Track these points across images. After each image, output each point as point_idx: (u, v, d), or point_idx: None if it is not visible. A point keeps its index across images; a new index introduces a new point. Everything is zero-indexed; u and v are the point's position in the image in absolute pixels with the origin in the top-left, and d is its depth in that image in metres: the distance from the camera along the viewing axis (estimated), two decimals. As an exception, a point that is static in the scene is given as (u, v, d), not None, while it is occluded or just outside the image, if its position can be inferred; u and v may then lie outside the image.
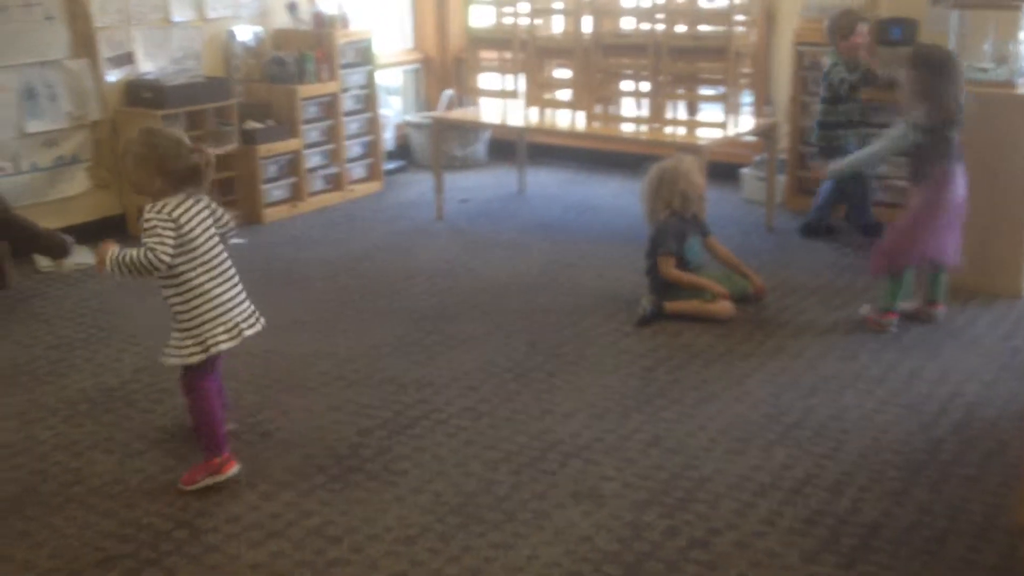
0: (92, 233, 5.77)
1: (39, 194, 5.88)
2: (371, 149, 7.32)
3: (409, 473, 3.50)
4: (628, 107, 6.39)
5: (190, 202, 3.43)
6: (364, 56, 7.12)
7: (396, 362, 4.40)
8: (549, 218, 6.52)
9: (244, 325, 3.50)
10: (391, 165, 7.69)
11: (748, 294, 4.93)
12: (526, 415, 3.90)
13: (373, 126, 7.29)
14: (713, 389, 4.09)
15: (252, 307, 3.59)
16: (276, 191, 6.69)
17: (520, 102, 6.58)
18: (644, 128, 6.10)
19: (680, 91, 6.09)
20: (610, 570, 2.95)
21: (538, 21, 6.50)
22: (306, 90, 6.70)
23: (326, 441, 3.73)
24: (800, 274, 5.37)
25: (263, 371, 4.33)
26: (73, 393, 4.17)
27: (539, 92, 6.52)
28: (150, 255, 3.30)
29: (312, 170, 6.90)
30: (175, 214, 3.36)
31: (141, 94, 6.09)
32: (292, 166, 6.76)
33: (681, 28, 6.02)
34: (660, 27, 5.97)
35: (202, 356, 3.41)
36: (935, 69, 4.40)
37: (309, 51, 6.72)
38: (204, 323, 3.41)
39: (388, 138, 7.70)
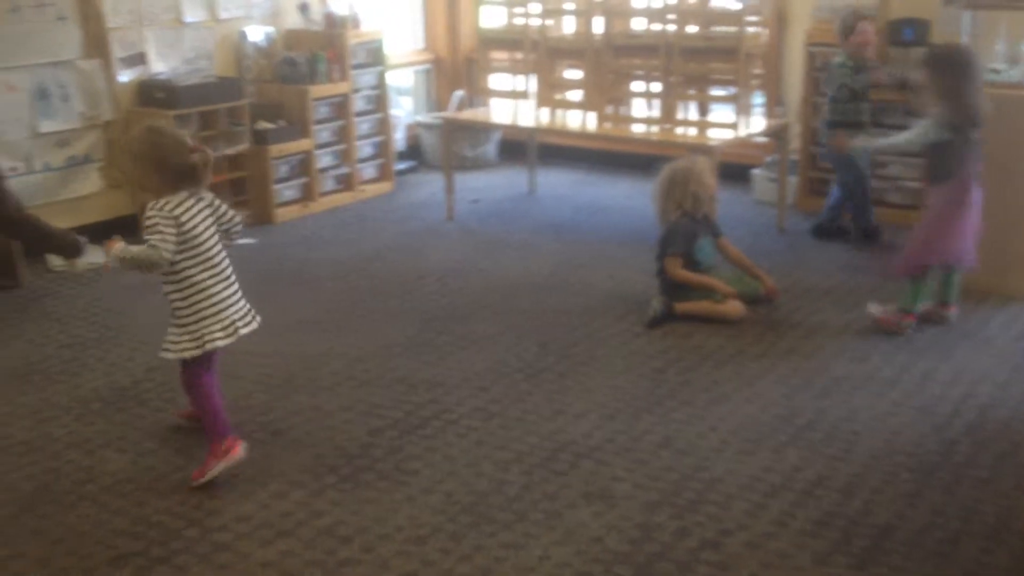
0: (104, 233, 5.73)
1: (52, 194, 5.90)
2: (382, 149, 7.33)
3: (420, 473, 3.50)
4: (639, 108, 6.38)
5: (191, 201, 3.49)
6: (375, 57, 7.12)
7: (407, 362, 4.40)
8: (560, 219, 6.52)
9: (240, 323, 3.57)
10: (402, 165, 7.70)
11: (760, 295, 4.92)
12: (537, 416, 3.90)
13: (384, 126, 7.30)
14: (724, 390, 4.08)
15: (248, 305, 3.65)
16: (287, 191, 6.70)
17: (531, 103, 6.58)
18: (655, 129, 6.10)
19: (691, 92, 6.08)
20: (621, 571, 2.95)
21: (549, 22, 6.50)
22: (317, 90, 6.71)
23: (337, 441, 3.73)
24: (812, 275, 5.36)
25: (274, 370, 4.33)
26: (86, 392, 4.18)
27: (550, 93, 6.52)
28: (152, 252, 3.38)
29: (323, 170, 6.92)
30: (176, 212, 3.43)
31: (153, 94, 6.11)
32: (303, 166, 6.77)
33: (692, 29, 6.01)
34: (671, 28, 5.97)
35: (197, 352, 3.48)
36: (955, 69, 4.38)
37: (320, 51, 6.73)
38: (201, 320, 3.48)
39: (399, 138, 7.71)
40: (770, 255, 5.60)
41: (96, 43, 5.99)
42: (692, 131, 5.97)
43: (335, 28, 6.88)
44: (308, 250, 6.02)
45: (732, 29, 5.87)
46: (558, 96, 6.55)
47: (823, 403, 3.95)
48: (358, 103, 7.06)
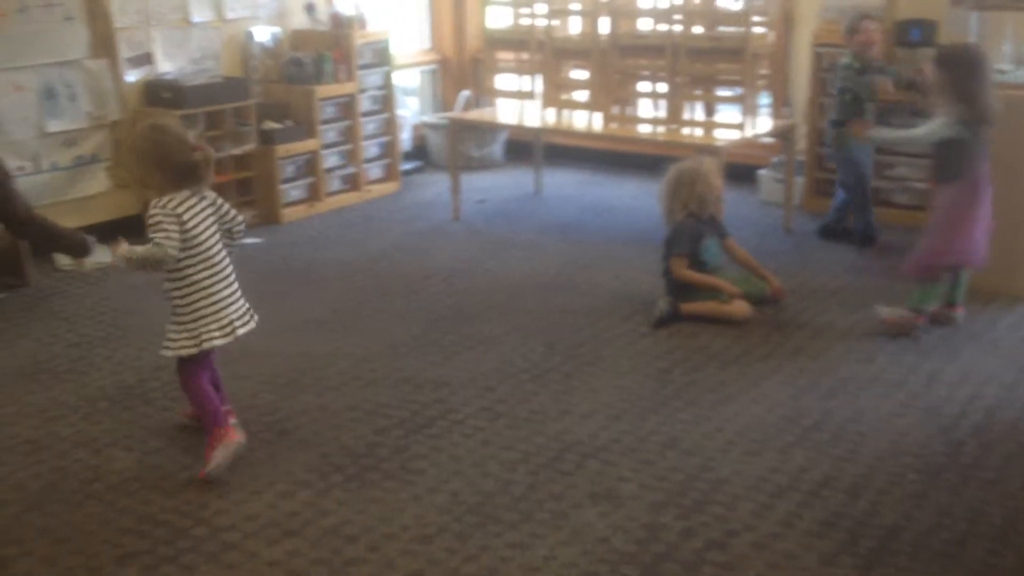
0: (112, 232, 5.76)
1: (59, 193, 5.91)
2: (388, 150, 7.34)
3: (426, 472, 3.50)
4: (645, 108, 6.38)
5: (194, 199, 3.53)
6: (381, 57, 7.13)
7: (413, 362, 4.40)
8: (566, 219, 6.52)
9: (238, 323, 3.60)
10: (408, 165, 7.70)
11: (766, 296, 4.91)
12: (543, 416, 3.90)
13: (390, 127, 7.31)
14: (730, 391, 4.08)
15: (247, 305, 3.69)
16: (294, 191, 6.71)
17: (537, 103, 6.58)
18: (661, 129, 6.10)
19: (697, 92, 6.07)
20: (627, 571, 2.95)
21: (555, 22, 6.50)
22: (324, 91, 6.72)
23: (343, 440, 3.73)
24: (818, 276, 5.35)
25: (280, 370, 4.34)
26: (93, 391, 4.19)
27: (556, 93, 6.52)
28: (158, 251, 3.43)
29: (329, 170, 6.93)
30: (179, 210, 3.47)
31: (160, 94, 6.12)
32: (310, 166, 6.78)
33: (699, 29, 6.01)
34: (678, 28, 5.97)
35: (194, 350, 3.52)
36: (966, 68, 4.37)
37: (327, 52, 6.74)
38: (199, 318, 3.52)
39: (405, 139, 7.72)
40: (776, 256, 5.59)
41: (103, 43, 6.00)
42: (698, 131, 5.97)
43: (341, 28, 6.89)
44: (314, 250, 6.03)
45: (739, 29, 5.86)
46: (564, 96, 6.55)
47: (829, 404, 3.95)
48: (364, 103, 7.07)
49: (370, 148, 7.20)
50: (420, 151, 8.01)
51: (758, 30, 5.89)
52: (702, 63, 5.95)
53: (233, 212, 3.70)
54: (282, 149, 6.54)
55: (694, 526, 3.15)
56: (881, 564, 2.96)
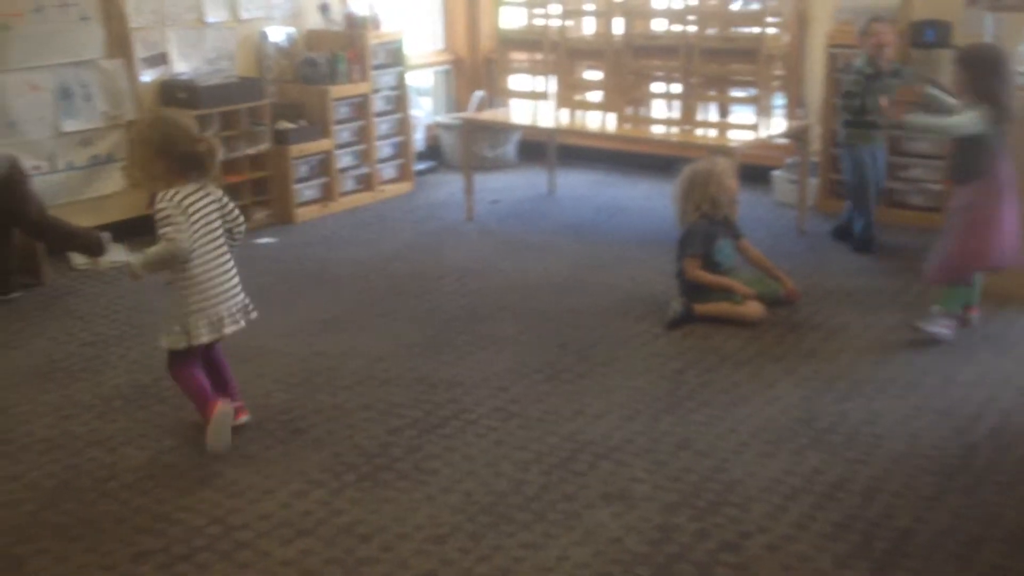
0: (127, 231, 5.84)
1: (75, 193, 5.94)
2: (402, 150, 7.35)
3: (439, 472, 3.50)
4: (659, 109, 6.37)
5: (200, 193, 3.59)
6: (395, 57, 7.14)
7: (426, 362, 4.41)
8: (579, 219, 6.52)
9: (228, 320, 3.67)
10: (421, 166, 7.71)
11: (780, 297, 4.90)
12: (556, 416, 3.90)
13: (404, 127, 7.32)
14: (744, 392, 4.07)
15: (246, 301, 3.76)
16: (308, 191, 6.73)
17: (551, 103, 6.58)
18: (675, 130, 6.09)
19: (712, 93, 6.06)
20: (640, 572, 2.94)
21: (569, 22, 6.50)
22: (338, 91, 6.74)
23: (357, 440, 3.74)
24: (832, 277, 5.34)
25: (294, 370, 4.35)
26: (107, 389, 4.21)
27: (570, 93, 6.52)
28: (170, 246, 3.49)
29: (343, 170, 6.94)
30: (185, 203, 3.53)
31: (175, 94, 6.14)
32: (323, 166, 6.79)
33: (713, 30, 6.00)
34: (692, 29, 5.96)
35: (184, 345, 3.60)
36: (989, 67, 4.35)
37: (341, 52, 6.75)
38: (192, 313, 3.59)
39: (419, 139, 7.73)
40: (790, 257, 5.58)
41: (119, 43, 6.03)
42: (712, 132, 5.96)
43: (355, 28, 6.90)
44: (328, 250, 6.04)
45: (753, 30, 5.85)
46: (578, 97, 6.54)
47: (844, 406, 3.94)
48: (378, 103, 7.08)
49: (384, 148, 7.21)
50: (433, 151, 8.02)
51: (772, 31, 5.87)
52: (716, 64, 5.94)
53: (237, 213, 3.75)
54: (296, 149, 6.56)
55: (707, 527, 3.15)
56: (895, 566, 2.95)
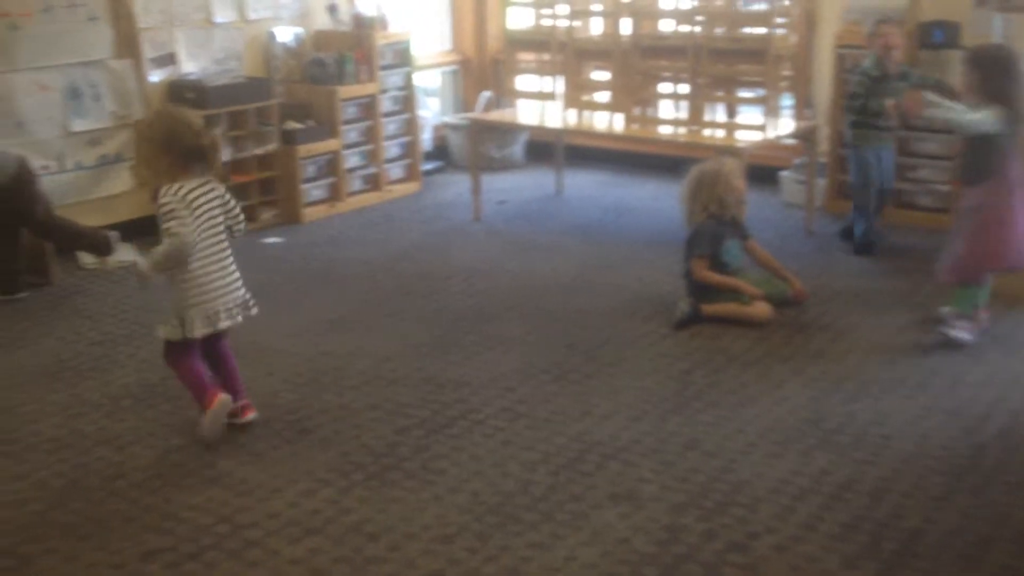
0: (136, 231, 5.84)
1: (83, 192, 5.95)
2: (409, 150, 7.35)
3: (447, 472, 3.51)
4: (667, 109, 6.37)
5: (204, 188, 3.62)
6: (403, 57, 7.15)
7: (434, 362, 4.41)
8: (587, 220, 6.52)
9: (224, 316, 3.70)
10: (429, 166, 7.72)
11: (788, 298, 4.90)
12: (564, 416, 3.90)
13: (411, 127, 7.32)
14: (751, 393, 4.07)
15: (247, 296, 3.79)
16: (315, 191, 6.74)
17: (558, 104, 6.58)
18: (683, 131, 6.09)
19: (719, 93, 6.06)
20: (648, 572, 2.94)
21: (577, 23, 6.50)
22: (345, 91, 6.74)
23: (364, 439, 3.74)
24: (840, 278, 5.33)
25: (302, 369, 4.36)
26: (116, 389, 4.22)
27: (577, 94, 6.52)
28: (175, 241, 3.52)
29: (351, 170, 6.95)
30: (188, 197, 3.57)
31: (183, 94, 6.15)
32: (331, 166, 6.80)
33: (720, 30, 5.99)
34: (699, 29, 5.95)
35: (179, 336, 3.64)
36: (1000, 68, 4.33)
37: (349, 52, 6.76)
38: (189, 307, 3.63)
39: (426, 139, 7.73)
40: (798, 258, 5.57)
41: (127, 43, 6.04)
42: (720, 133, 5.95)
43: (363, 29, 6.90)
44: (335, 250, 6.05)
45: (761, 31, 5.85)
46: (585, 97, 6.55)
47: (852, 406, 3.93)
48: (386, 104, 7.09)
49: (391, 148, 7.22)
50: (441, 151, 8.02)
51: (780, 31, 5.87)
52: (724, 64, 5.94)
53: (238, 211, 3.79)
54: (304, 149, 6.56)
55: (715, 528, 3.14)
56: (903, 567, 2.94)
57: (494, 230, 6.36)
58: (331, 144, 6.72)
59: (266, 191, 6.52)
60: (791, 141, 6.47)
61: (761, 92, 5.87)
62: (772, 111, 5.86)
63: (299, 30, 6.86)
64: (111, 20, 5.96)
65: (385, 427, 3.83)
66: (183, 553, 3.07)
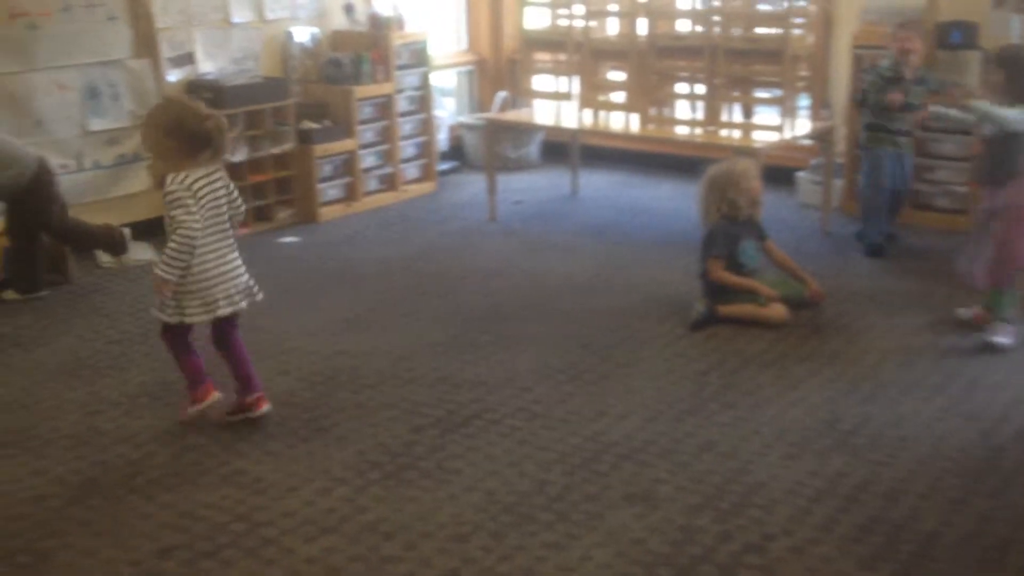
0: (153, 230, 5.85)
1: (101, 191, 5.99)
2: (425, 150, 7.36)
3: (462, 472, 3.51)
4: (683, 110, 6.36)
5: (210, 178, 3.66)
6: (419, 57, 7.16)
7: (450, 361, 4.41)
8: (602, 220, 6.51)
9: (224, 302, 3.73)
10: (444, 166, 7.72)
11: (804, 299, 4.88)
12: (579, 416, 3.90)
13: (427, 127, 7.33)
14: (768, 394, 4.06)
15: (250, 282, 3.83)
16: (331, 190, 6.76)
17: (574, 104, 6.57)
18: (699, 131, 6.08)
19: (736, 94, 6.05)
20: (662, 573, 2.94)
21: (593, 23, 6.50)
22: (362, 91, 6.76)
23: (380, 438, 3.75)
24: (857, 279, 5.31)
25: (318, 368, 4.37)
26: (133, 387, 4.24)
27: (593, 94, 6.51)
28: (181, 233, 3.56)
29: (367, 170, 6.96)
30: (195, 186, 3.60)
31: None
32: (347, 166, 6.81)
33: (737, 31, 5.98)
34: (716, 29, 5.94)
35: (175, 321, 3.69)
36: None
37: (365, 52, 6.77)
38: (187, 293, 3.66)
39: (442, 139, 7.74)
40: (815, 258, 5.55)
41: (145, 43, 6.07)
42: (736, 133, 5.94)
43: (380, 29, 6.92)
44: (352, 249, 6.06)
45: (778, 31, 5.83)
46: (601, 97, 6.54)
47: (868, 408, 3.92)
48: (402, 104, 7.10)
49: (407, 148, 7.23)
50: (456, 151, 8.03)
51: (797, 31, 5.85)
52: (740, 64, 5.93)
53: (239, 199, 3.83)
54: (320, 149, 6.58)
55: (731, 529, 3.14)
56: (920, 569, 2.93)
57: (510, 230, 6.36)
58: (347, 144, 6.74)
59: (282, 190, 6.54)
60: (808, 142, 6.46)
61: (778, 92, 5.86)
62: (789, 112, 5.85)
63: (316, 30, 6.88)
64: (130, 20, 5.99)
65: (401, 426, 3.84)
66: (199, 551, 3.09)
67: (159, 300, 3.71)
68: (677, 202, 6.72)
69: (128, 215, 5.99)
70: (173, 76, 6.20)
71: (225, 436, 3.78)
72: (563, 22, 6.58)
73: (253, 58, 6.57)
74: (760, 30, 5.99)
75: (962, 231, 5.57)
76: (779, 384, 4.14)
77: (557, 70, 6.70)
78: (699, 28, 6.06)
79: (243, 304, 3.80)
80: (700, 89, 6.13)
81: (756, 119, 6.07)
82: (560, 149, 7.55)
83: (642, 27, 6.21)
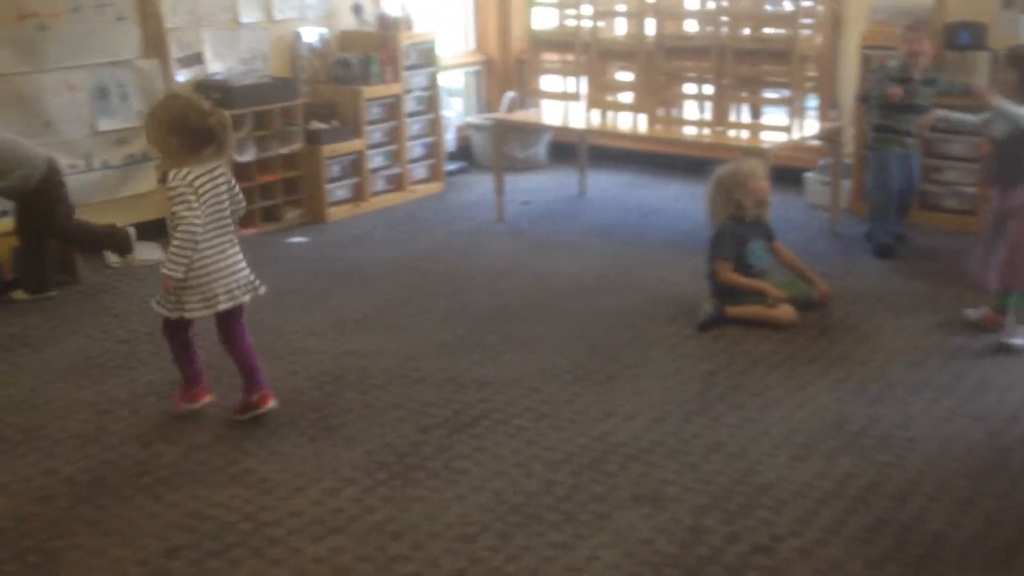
0: (162, 231, 5.86)
1: (110, 191, 6.00)
2: (433, 150, 7.37)
3: (470, 472, 3.51)
4: (691, 110, 6.35)
5: (212, 174, 3.68)
6: (427, 58, 7.16)
7: (457, 361, 4.42)
8: (610, 221, 6.51)
9: (224, 297, 3.74)
10: (452, 166, 7.73)
11: (812, 299, 4.87)
12: (587, 417, 3.90)
13: (435, 127, 7.33)
14: (776, 395, 4.05)
15: (252, 277, 3.84)
16: (339, 191, 6.76)
17: (582, 104, 6.57)
18: (707, 131, 6.08)
19: (744, 94, 6.04)
20: (670, 574, 2.94)
21: (601, 23, 6.49)
22: (370, 91, 6.76)
23: (388, 438, 3.76)
24: (865, 280, 5.30)
25: (326, 368, 4.37)
26: (141, 386, 4.25)
27: (601, 94, 6.51)
28: (183, 231, 3.59)
29: (375, 170, 6.97)
30: (197, 183, 3.62)
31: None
32: (355, 166, 6.82)
33: (745, 31, 5.97)
34: (724, 30, 5.94)
35: (174, 315, 3.72)
36: None
37: (373, 52, 6.78)
38: (187, 288, 3.68)
39: (450, 139, 7.74)
40: (823, 259, 5.54)
41: (154, 43, 6.08)
42: (744, 134, 5.94)
43: (388, 29, 6.92)
44: (359, 249, 6.07)
45: (786, 31, 5.82)
46: (609, 98, 6.54)
47: (876, 409, 3.91)
48: (410, 104, 7.11)
49: (415, 148, 7.24)
50: (464, 152, 8.03)
51: (805, 32, 5.84)
52: (748, 65, 5.92)
53: (240, 195, 3.85)
54: (328, 149, 6.59)
55: (738, 530, 3.14)
56: (928, 571, 2.93)
57: (517, 230, 6.36)
58: (355, 144, 6.75)
59: (291, 191, 6.55)
60: (816, 142, 6.45)
61: (786, 93, 5.85)
62: (797, 112, 5.84)
63: (324, 30, 6.89)
64: (139, 20, 6.00)
65: (408, 426, 3.85)
66: (206, 550, 3.09)
67: (159, 295, 3.73)
68: (685, 202, 6.72)
69: (137, 215, 6.00)
70: (182, 76, 6.22)
71: (233, 436, 3.79)
72: (571, 22, 6.57)
73: (262, 58, 6.58)
74: (768, 30, 5.98)
75: (971, 232, 5.56)
76: (787, 385, 4.13)
77: (565, 70, 6.70)
78: (707, 28, 6.05)
79: (245, 298, 3.81)
80: (708, 89, 6.12)
81: (764, 119, 6.06)
82: (568, 149, 7.55)
83: (650, 27, 6.21)
